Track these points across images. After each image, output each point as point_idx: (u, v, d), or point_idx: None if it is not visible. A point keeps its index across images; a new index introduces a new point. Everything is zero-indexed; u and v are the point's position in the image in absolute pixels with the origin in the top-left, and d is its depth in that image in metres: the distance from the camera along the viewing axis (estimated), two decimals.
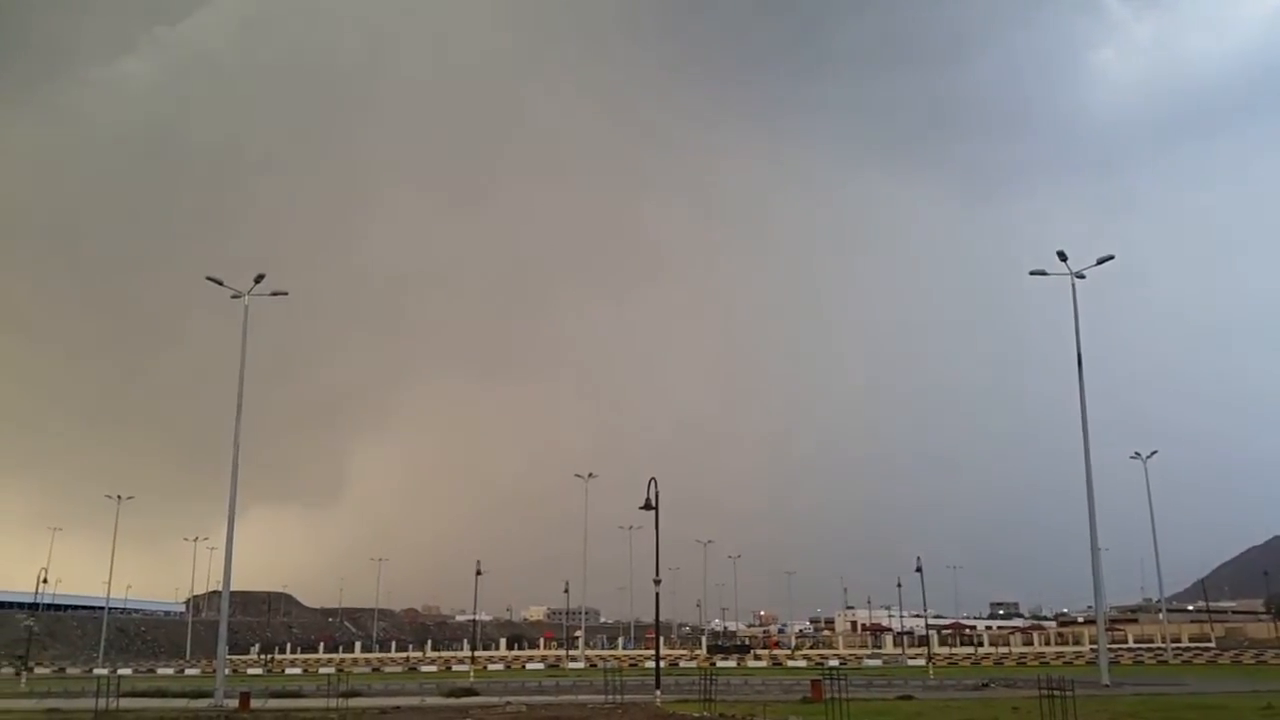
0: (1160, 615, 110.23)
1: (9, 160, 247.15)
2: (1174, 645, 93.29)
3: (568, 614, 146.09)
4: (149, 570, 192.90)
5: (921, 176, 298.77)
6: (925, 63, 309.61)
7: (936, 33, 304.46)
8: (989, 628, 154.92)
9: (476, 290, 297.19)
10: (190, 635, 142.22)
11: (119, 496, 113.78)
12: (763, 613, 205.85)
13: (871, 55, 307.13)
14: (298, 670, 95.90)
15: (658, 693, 39.60)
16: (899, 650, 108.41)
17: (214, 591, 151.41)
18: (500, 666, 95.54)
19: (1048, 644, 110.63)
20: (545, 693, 50.50)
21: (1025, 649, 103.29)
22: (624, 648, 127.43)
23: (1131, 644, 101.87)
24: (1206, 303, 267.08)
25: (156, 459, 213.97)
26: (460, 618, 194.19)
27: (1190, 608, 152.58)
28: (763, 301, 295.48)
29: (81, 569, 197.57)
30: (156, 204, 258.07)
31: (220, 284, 51.75)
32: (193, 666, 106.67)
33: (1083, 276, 56.71)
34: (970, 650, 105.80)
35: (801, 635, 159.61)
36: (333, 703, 39.67)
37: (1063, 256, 56.03)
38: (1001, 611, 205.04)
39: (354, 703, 41.20)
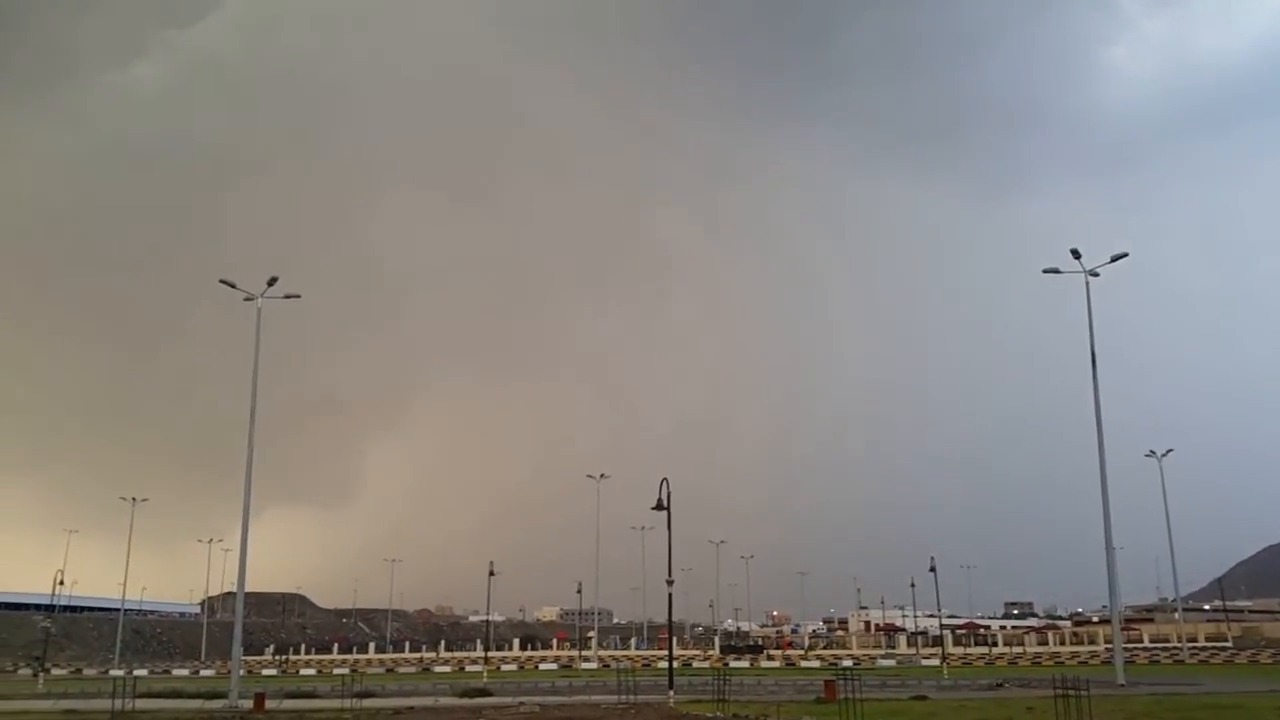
0: (1176, 614, 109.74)
1: (22, 162, 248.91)
2: (1190, 645, 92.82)
3: (580, 614, 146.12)
4: (163, 572, 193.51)
5: (931, 175, 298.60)
6: (936, 62, 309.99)
7: (947, 31, 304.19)
8: (1003, 627, 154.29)
9: (485, 291, 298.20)
10: (205, 636, 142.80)
11: (133, 499, 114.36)
12: (776, 613, 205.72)
13: (881, 55, 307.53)
14: (312, 671, 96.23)
15: (671, 693, 39.58)
16: (913, 650, 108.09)
17: (229, 593, 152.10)
18: (513, 667, 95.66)
19: (1062, 644, 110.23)
20: (558, 693, 50.51)
21: (1040, 649, 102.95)
22: (637, 648, 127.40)
23: (1147, 644, 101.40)
24: (1221, 299, 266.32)
25: (170, 461, 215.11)
26: (473, 618, 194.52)
27: (1206, 607, 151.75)
28: (766, 300, 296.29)
29: (96, 570, 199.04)
30: (165, 205, 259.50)
31: (233, 287, 51.88)
32: (208, 668, 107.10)
33: (1096, 274, 56.46)
34: (984, 650, 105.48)
35: (815, 635, 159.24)
36: (347, 703, 39.78)
37: (1076, 254, 55.80)
38: (1016, 611, 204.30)
39: (368, 703, 41.35)
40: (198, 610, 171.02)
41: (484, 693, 48.27)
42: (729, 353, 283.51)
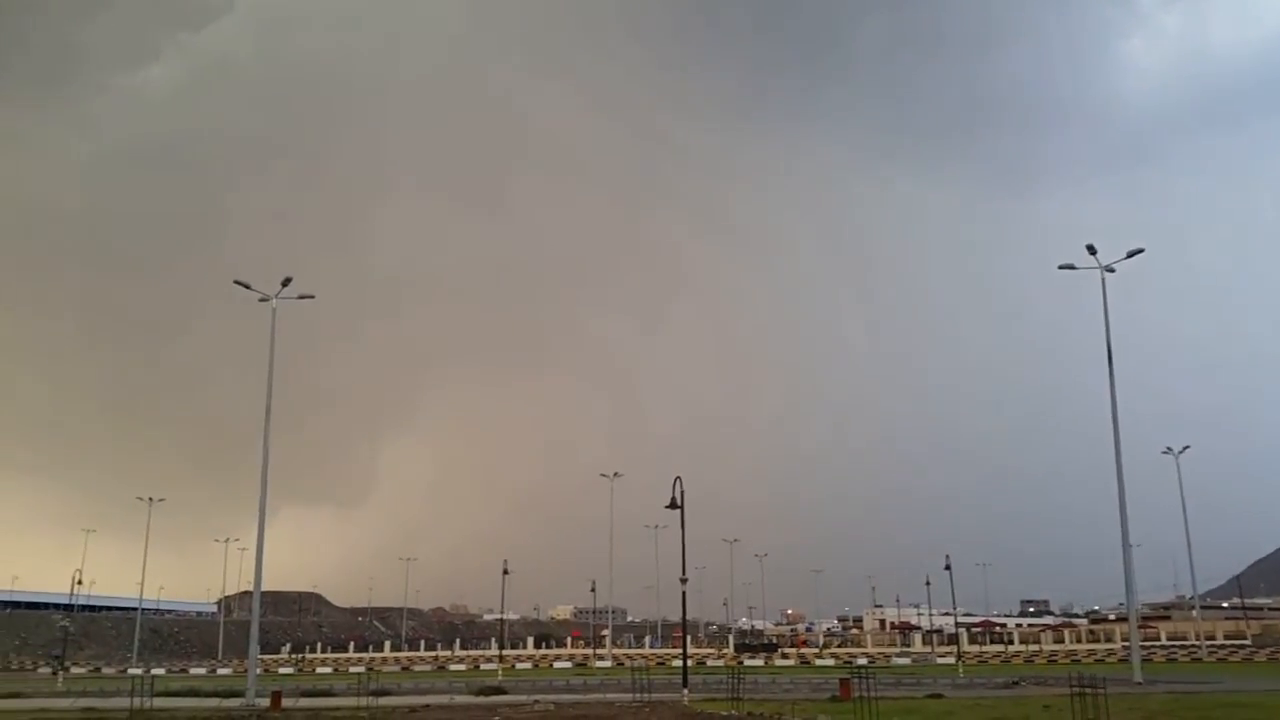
0: (1194, 612, 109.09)
1: (35, 164, 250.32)
2: (1208, 643, 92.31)
3: (595, 613, 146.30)
4: (180, 571, 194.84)
5: (943, 171, 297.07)
6: (948, 57, 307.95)
7: (960, 26, 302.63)
8: (1019, 625, 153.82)
9: (496, 291, 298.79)
10: (222, 635, 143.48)
11: (150, 499, 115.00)
12: (790, 611, 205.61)
13: (892, 51, 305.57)
14: (328, 669, 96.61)
15: (685, 691, 39.60)
16: (928, 648, 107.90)
17: (245, 592, 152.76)
18: (528, 665, 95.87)
19: (1079, 641, 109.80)
20: (573, 691, 50.60)
21: (1056, 646, 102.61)
22: (651, 646, 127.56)
23: (1164, 641, 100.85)
24: (1238, 295, 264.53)
25: (186, 461, 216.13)
26: (488, 617, 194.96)
27: (1225, 605, 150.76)
28: (777, 299, 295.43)
29: (114, 570, 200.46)
30: (177, 207, 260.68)
31: (248, 288, 52.12)
32: (225, 666, 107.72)
33: (1112, 270, 56.24)
34: (1000, 648, 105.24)
35: (829, 634, 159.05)
36: (363, 701, 39.90)
37: (1092, 250, 55.51)
38: (1032, 609, 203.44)
39: (384, 701, 41.50)
40: (214, 609, 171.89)
41: (499, 691, 48.40)
42: (740, 352, 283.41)
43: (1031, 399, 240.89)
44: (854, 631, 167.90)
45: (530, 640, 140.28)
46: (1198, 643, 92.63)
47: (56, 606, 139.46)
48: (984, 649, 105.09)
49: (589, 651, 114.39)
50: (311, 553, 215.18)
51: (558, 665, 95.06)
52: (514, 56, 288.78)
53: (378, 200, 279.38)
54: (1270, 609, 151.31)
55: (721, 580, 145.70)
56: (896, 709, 32.17)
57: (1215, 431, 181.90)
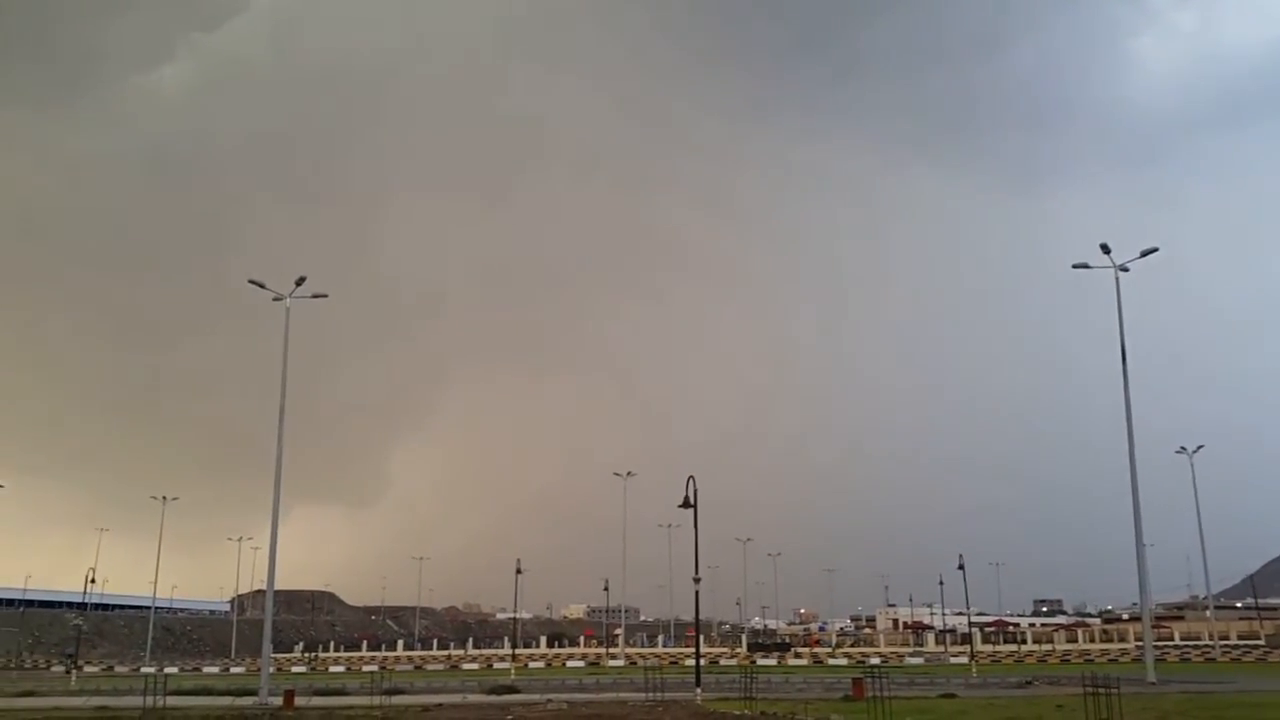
0: (1207, 612, 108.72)
1: (52, 165, 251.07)
2: (1222, 643, 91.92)
3: (607, 612, 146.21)
4: (193, 570, 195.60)
5: (955, 170, 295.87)
6: (959, 55, 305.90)
7: (971, 24, 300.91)
8: (1033, 625, 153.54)
9: (509, 291, 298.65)
10: (235, 634, 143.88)
11: (164, 498, 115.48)
12: (803, 610, 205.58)
13: (904, 49, 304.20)
14: (341, 668, 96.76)
15: (698, 690, 39.58)
16: (941, 648, 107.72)
17: (258, 591, 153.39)
18: (541, 664, 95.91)
19: (1092, 641, 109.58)
20: (586, 690, 50.63)
21: (1069, 646, 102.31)
22: (664, 646, 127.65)
23: (1178, 641, 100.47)
24: (1249, 295, 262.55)
25: (199, 461, 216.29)
26: (501, 616, 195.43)
27: (1238, 605, 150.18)
28: (793, 301, 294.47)
29: (127, 569, 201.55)
30: (191, 207, 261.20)
31: (262, 287, 52.28)
32: (238, 665, 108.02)
33: (1126, 269, 56.01)
34: (1014, 647, 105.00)
35: (842, 633, 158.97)
36: (376, 700, 40.00)
37: (1106, 249, 55.26)
38: (1045, 609, 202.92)
39: (396, 700, 41.60)
40: (228, 608, 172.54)
41: (512, 690, 48.48)
42: (754, 353, 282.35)
43: (1044, 401, 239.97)
44: (867, 631, 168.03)
45: (543, 639, 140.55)
46: (1211, 643, 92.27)
47: (70, 605, 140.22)
48: (997, 649, 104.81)
49: (602, 651, 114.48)
50: (325, 552, 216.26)
51: (570, 664, 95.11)
52: (529, 54, 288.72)
53: (391, 200, 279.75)
54: None
55: (735, 580, 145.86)
56: (910, 709, 32.11)
57: (1228, 432, 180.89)
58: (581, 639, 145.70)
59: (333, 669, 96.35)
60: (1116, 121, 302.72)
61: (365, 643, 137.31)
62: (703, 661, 45.06)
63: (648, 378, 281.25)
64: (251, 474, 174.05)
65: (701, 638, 65.77)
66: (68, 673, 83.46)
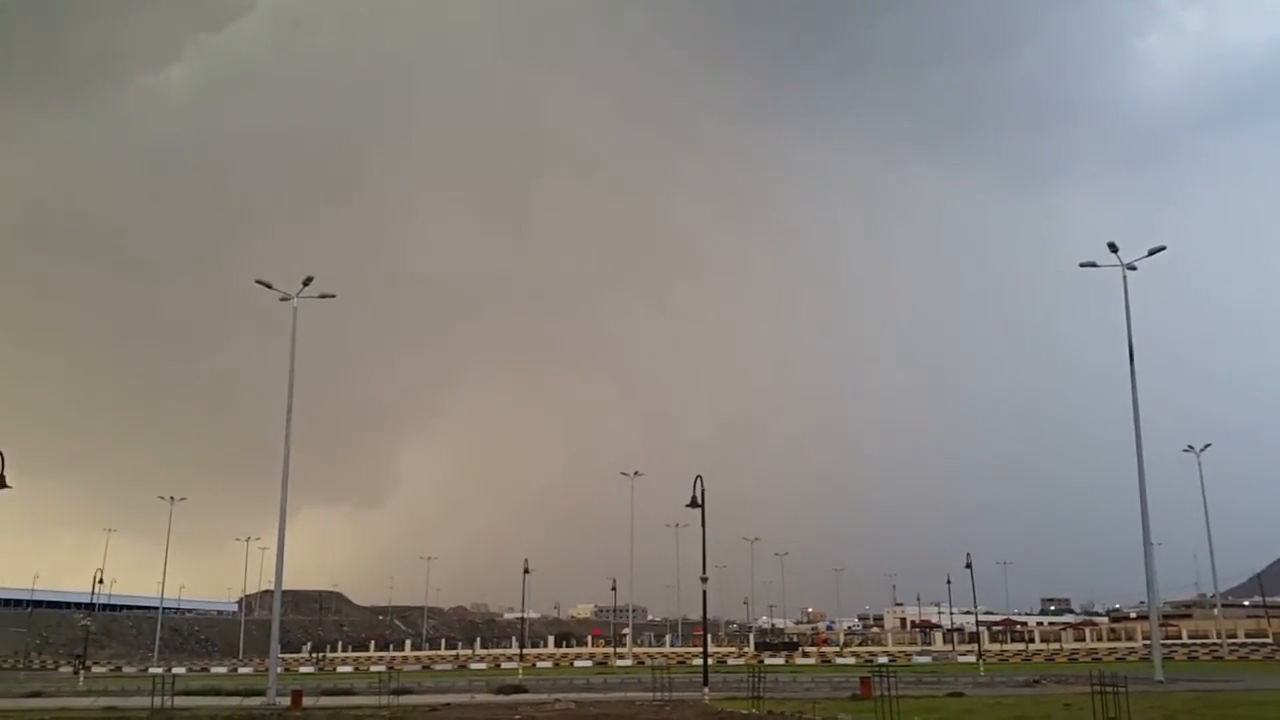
0: (1215, 611, 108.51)
1: (56, 164, 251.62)
2: (1229, 641, 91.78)
3: (615, 612, 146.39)
4: (201, 570, 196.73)
5: (958, 170, 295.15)
6: (964, 54, 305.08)
7: (976, 22, 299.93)
8: (1040, 624, 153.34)
9: (516, 292, 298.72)
10: (243, 634, 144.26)
11: (171, 498, 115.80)
12: (811, 610, 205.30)
13: (906, 47, 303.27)
14: (349, 668, 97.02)
15: (706, 690, 39.59)
16: (949, 647, 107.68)
17: (266, 591, 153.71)
18: (549, 664, 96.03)
19: (1100, 640, 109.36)
20: (594, 690, 50.70)
21: (1077, 645, 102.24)
22: (672, 645, 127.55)
23: (1185, 640, 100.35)
24: (1255, 294, 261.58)
25: (207, 462, 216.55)
26: (508, 615, 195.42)
27: (1246, 603, 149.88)
28: (794, 300, 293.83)
29: (135, 569, 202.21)
30: (199, 209, 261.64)
31: (269, 287, 52.21)
32: (246, 665, 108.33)
33: (1134, 268, 55.91)
34: (1021, 646, 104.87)
35: (850, 632, 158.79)
36: (383, 700, 40.08)
37: (1113, 248, 55.14)
38: (1053, 607, 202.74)
39: (404, 700, 41.65)
40: (235, 608, 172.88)
41: (520, 690, 48.53)
42: (759, 352, 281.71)
43: (1046, 400, 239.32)
44: (875, 630, 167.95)
45: (551, 639, 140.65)
46: (1219, 641, 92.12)
47: (77, 605, 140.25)
48: (1005, 647, 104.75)
49: (609, 650, 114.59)
50: (332, 552, 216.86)
51: (578, 664, 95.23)
52: (536, 54, 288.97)
53: (399, 202, 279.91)
54: None
55: (742, 579, 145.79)
56: (917, 707, 32.09)
57: (1235, 431, 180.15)
58: (589, 639, 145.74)
59: (340, 669, 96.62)
60: (1119, 120, 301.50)
61: (373, 643, 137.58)
62: (710, 661, 45.00)
63: (650, 377, 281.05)
64: (259, 474, 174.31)
65: (709, 637, 65.78)
66: (76, 673, 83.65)
